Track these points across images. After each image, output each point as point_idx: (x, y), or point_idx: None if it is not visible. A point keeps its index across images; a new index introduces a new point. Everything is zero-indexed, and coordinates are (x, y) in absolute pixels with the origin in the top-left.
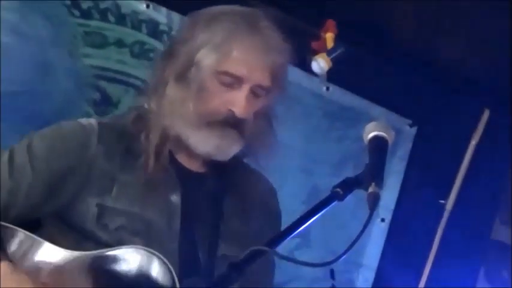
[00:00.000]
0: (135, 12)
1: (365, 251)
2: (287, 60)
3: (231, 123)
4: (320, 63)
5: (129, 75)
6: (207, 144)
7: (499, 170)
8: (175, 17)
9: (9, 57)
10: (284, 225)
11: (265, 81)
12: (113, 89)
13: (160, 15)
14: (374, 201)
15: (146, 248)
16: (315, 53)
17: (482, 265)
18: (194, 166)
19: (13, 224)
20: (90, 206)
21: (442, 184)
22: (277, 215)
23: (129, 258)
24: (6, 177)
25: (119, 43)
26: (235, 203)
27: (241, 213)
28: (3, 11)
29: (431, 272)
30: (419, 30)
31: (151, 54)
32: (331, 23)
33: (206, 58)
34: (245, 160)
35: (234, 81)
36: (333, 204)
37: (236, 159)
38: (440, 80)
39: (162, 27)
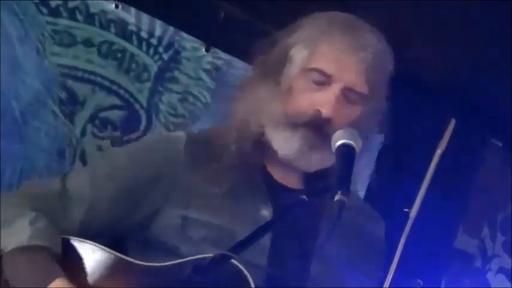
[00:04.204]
0: (104, 12)
1: None
2: (386, 66)
3: (316, 127)
4: None
5: (96, 74)
6: (288, 146)
7: (464, 179)
8: (144, 17)
9: None
10: None
11: (359, 85)
12: (79, 88)
13: (129, 15)
14: (339, 210)
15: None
16: None
17: (445, 273)
18: (290, 182)
19: (97, 241)
20: (174, 218)
21: (407, 192)
22: (379, 244)
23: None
24: (87, 191)
25: (87, 42)
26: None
27: (338, 237)
28: None
29: (393, 279)
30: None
31: (119, 54)
32: None
33: (298, 54)
34: None
35: (324, 80)
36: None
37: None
38: (406, 88)
39: (131, 28)
